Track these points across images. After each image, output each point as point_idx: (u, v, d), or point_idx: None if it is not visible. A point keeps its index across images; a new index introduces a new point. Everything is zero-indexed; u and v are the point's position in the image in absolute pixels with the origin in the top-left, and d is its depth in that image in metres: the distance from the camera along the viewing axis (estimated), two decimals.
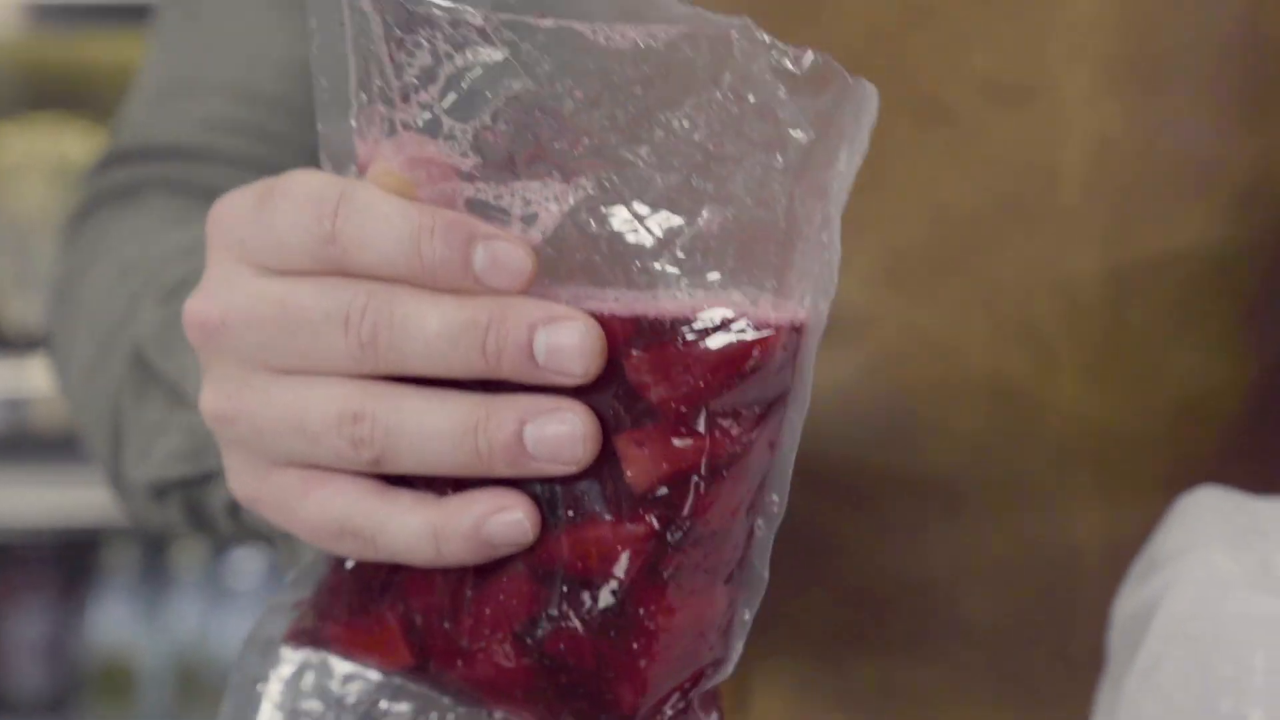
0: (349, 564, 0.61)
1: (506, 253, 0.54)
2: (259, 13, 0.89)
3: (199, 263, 0.62)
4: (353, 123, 0.58)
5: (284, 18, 0.88)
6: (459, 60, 0.55)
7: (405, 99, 0.56)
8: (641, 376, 0.55)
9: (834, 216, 0.55)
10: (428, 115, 0.56)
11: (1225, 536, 0.64)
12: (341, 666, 0.62)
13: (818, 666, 0.85)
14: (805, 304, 0.55)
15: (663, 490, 0.55)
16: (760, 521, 0.57)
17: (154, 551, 2.52)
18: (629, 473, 0.55)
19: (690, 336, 0.55)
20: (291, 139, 0.88)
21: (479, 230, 0.54)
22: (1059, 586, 0.85)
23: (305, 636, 0.62)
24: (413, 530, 0.56)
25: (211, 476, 0.78)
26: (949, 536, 0.85)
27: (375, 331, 0.54)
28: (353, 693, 0.62)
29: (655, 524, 0.56)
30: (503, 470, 0.55)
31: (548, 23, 0.54)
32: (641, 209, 0.55)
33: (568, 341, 0.54)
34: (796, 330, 0.56)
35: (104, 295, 0.85)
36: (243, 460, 0.59)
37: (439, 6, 0.56)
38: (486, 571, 0.57)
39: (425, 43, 0.56)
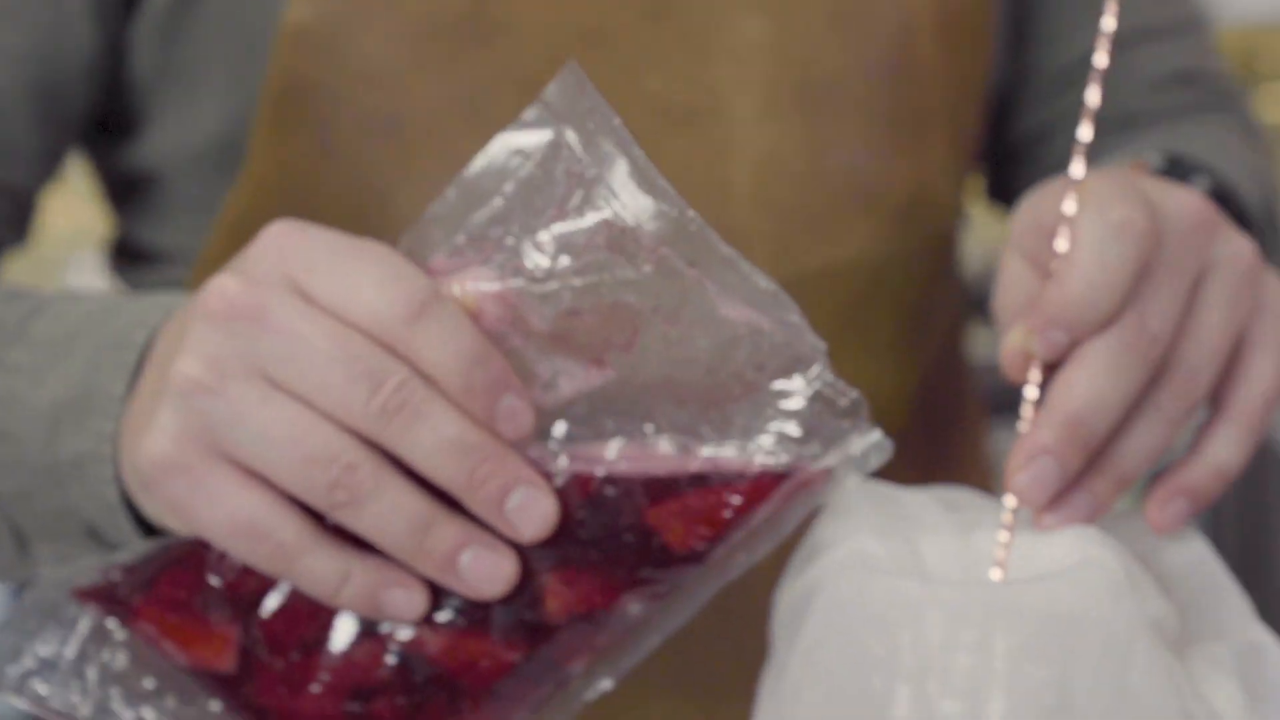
0: (213, 578, 0.63)
1: (523, 412, 0.61)
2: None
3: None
4: (459, 239, 0.62)
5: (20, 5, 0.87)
6: (593, 243, 0.61)
7: (529, 241, 0.61)
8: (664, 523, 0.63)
9: None
10: (532, 263, 0.61)
11: (876, 525, 0.67)
12: (119, 635, 0.64)
13: None
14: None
15: (567, 623, 0.63)
16: (564, 678, 0.65)
17: None
18: (550, 604, 0.62)
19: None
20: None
21: (513, 384, 0.61)
22: (735, 585, 0.89)
23: (103, 598, 0.63)
24: (329, 567, 0.61)
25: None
26: None
27: (401, 407, 0.59)
28: (119, 663, 0.64)
29: (526, 652, 0.63)
30: (427, 569, 0.61)
31: (692, 274, 0.61)
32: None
33: (535, 508, 0.61)
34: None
35: None
36: (183, 428, 0.60)
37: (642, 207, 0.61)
38: (355, 633, 0.63)
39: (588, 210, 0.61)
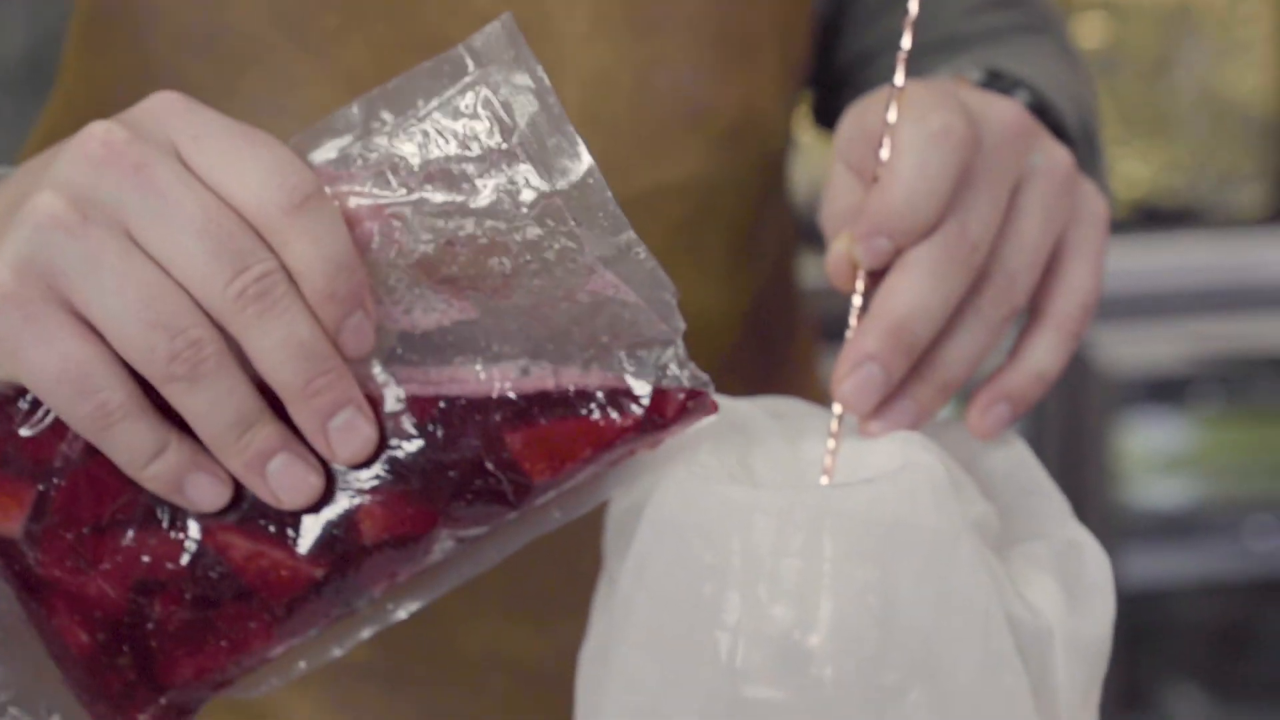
0: (24, 430, 0.61)
1: (367, 333, 0.60)
2: None
3: None
4: (353, 150, 0.61)
5: None
6: (491, 181, 0.61)
7: (421, 169, 0.61)
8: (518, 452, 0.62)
9: None
10: (418, 196, 0.61)
11: (709, 436, 0.68)
12: None
13: None
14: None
15: (376, 546, 0.62)
16: (361, 603, 0.64)
17: None
18: (364, 525, 0.62)
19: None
20: None
21: (368, 303, 0.60)
22: None
23: None
24: (147, 438, 0.59)
25: None
26: None
27: (260, 297, 0.58)
28: None
29: (329, 571, 0.62)
30: (234, 465, 0.60)
31: (578, 232, 0.62)
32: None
33: (357, 433, 0.61)
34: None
35: None
36: (30, 261, 0.58)
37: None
38: (155, 520, 0.61)
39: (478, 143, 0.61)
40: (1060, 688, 0.65)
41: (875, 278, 0.69)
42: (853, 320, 0.69)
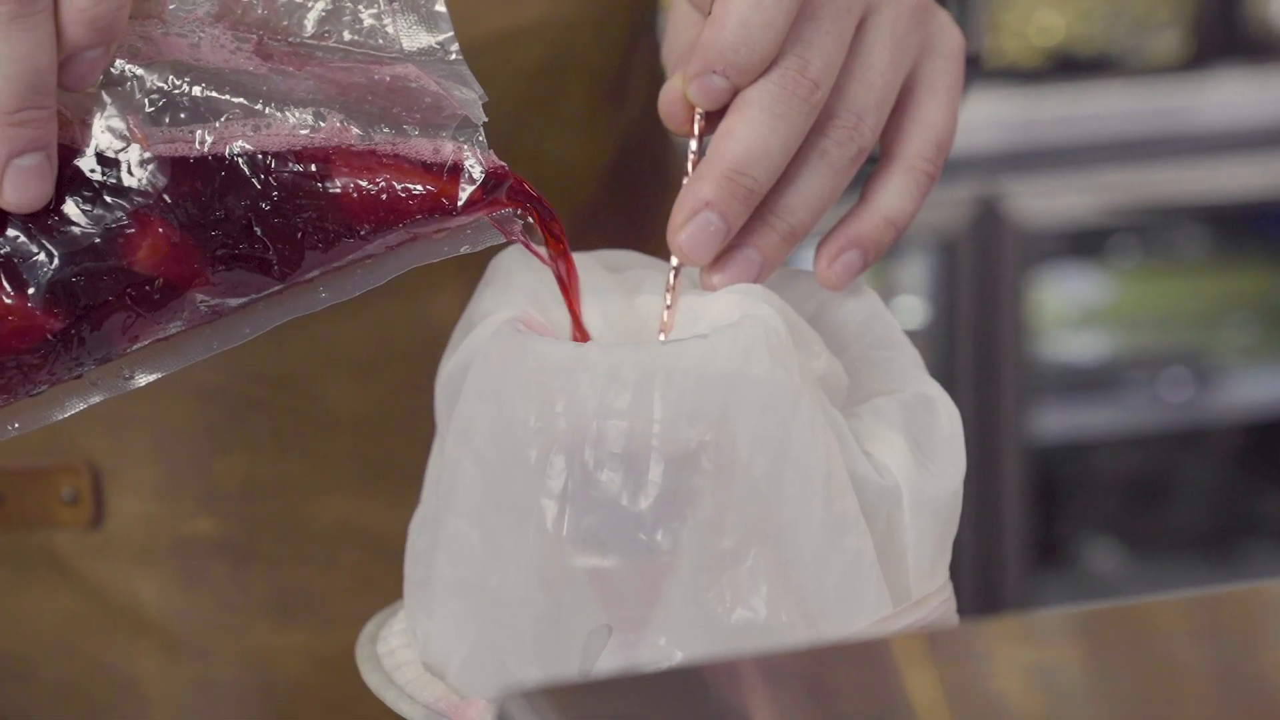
0: None
1: (96, 68, 0.57)
2: None
3: None
4: None
5: None
6: None
7: None
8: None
9: None
10: None
11: (533, 293, 0.64)
12: None
13: (179, 468, 0.83)
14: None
15: (120, 300, 0.58)
16: (91, 365, 0.59)
17: None
18: (110, 277, 0.58)
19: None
20: None
21: (112, 45, 0.57)
22: (420, 374, 0.85)
23: None
24: None
25: None
26: (308, 330, 0.84)
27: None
28: None
29: (60, 326, 0.58)
30: None
31: (391, 6, 0.60)
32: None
33: (39, 181, 0.57)
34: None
35: None
36: None
37: None
38: None
39: None
40: (909, 548, 0.62)
41: (715, 120, 0.65)
42: (689, 166, 0.65)
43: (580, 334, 0.64)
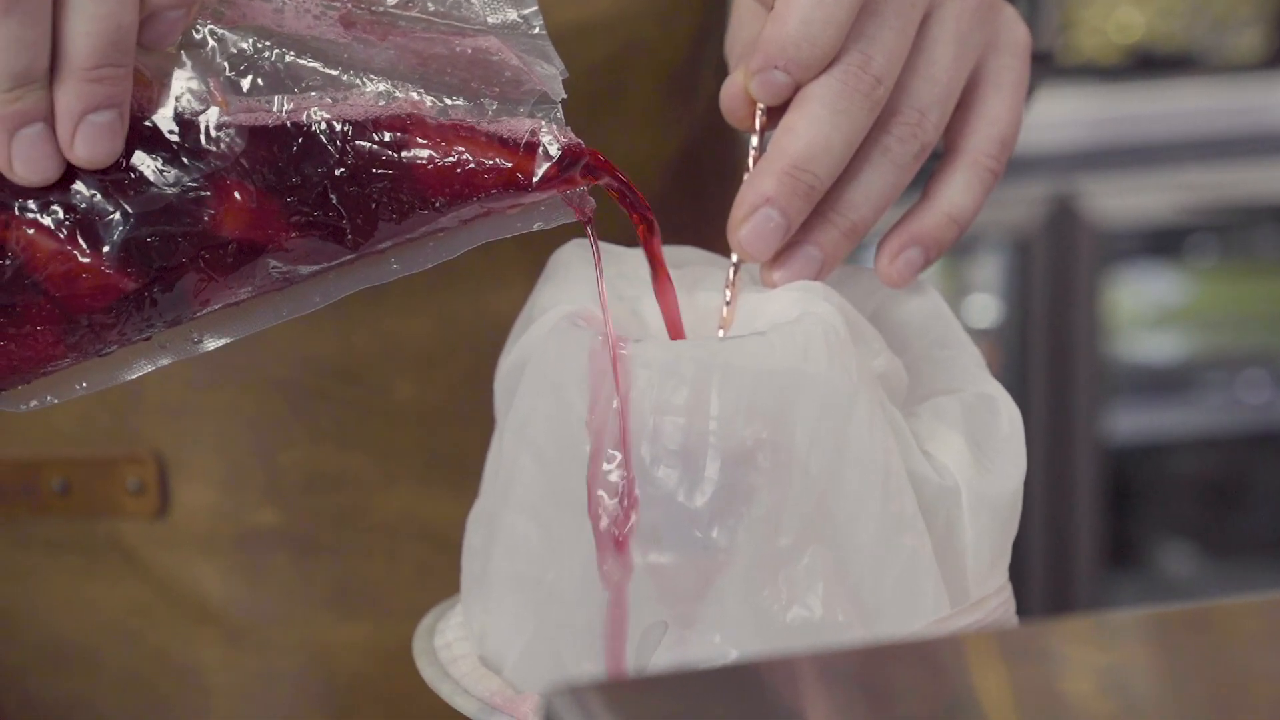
0: None
1: (175, 28, 0.58)
2: None
3: None
4: None
5: None
6: None
7: None
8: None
9: None
10: None
11: (593, 288, 0.64)
12: None
13: (243, 459, 0.84)
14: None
15: (192, 263, 0.58)
16: (162, 326, 0.59)
17: None
18: (184, 240, 0.58)
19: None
20: None
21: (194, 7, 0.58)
22: (484, 368, 0.85)
23: None
24: None
25: None
26: (373, 322, 0.84)
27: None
28: None
29: (133, 286, 0.58)
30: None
31: None
32: None
33: (111, 138, 0.57)
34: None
35: None
36: None
37: None
38: None
39: None
40: (967, 548, 0.62)
41: (777, 116, 0.65)
42: (750, 162, 0.64)
43: (673, 327, 0.63)
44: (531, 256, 0.86)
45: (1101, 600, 2.06)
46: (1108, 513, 2.09)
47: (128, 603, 0.85)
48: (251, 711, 0.86)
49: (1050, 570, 2.05)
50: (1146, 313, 2.27)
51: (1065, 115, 2.08)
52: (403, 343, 0.85)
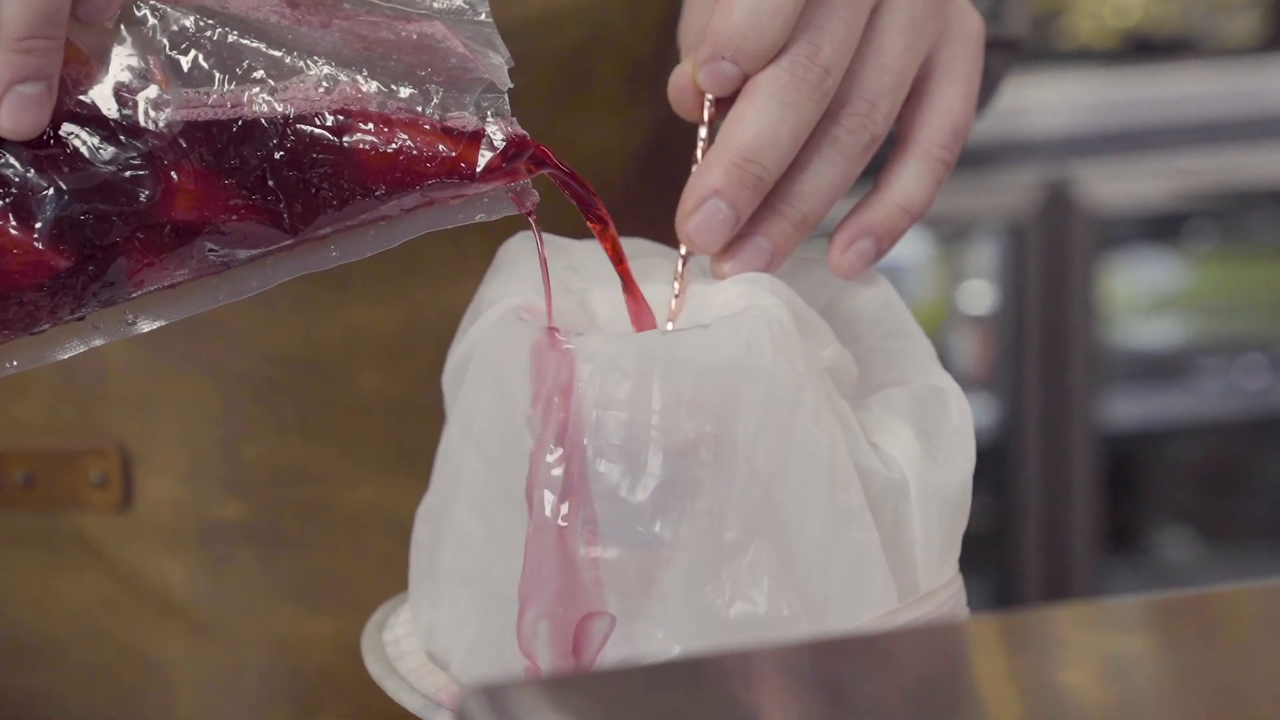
0: None
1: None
2: None
3: None
4: None
5: None
6: None
7: None
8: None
9: None
10: None
11: (538, 282, 0.63)
12: None
13: (207, 452, 0.83)
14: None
15: (127, 243, 0.58)
16: (94, 307, 0.59)
17: None
18: (118, 220, 0.57)
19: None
20: None
21: None
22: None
23: None
24: None
25: None
26: (337, 314, 0.84)
27: None
28: None
29: (66, 265, 0.57)
30: None
31: None
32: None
33: (37, 110, 0.57)
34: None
35: None
36: None
37: None
38: None
39: None
40: (916, 541, 0.61)
41: (726, 106, 0.64)
42: (699, 153, 0.64)
43: (639, 322, 0.63)
44: (497, 248, 0.85)
45: (1100, 587, 2.06)
46: (1105, 499, 2.09)
47: (92, 596, 0.85)
48: (217, 705, 0.85)
49: (1048, 557, 2.04)
50: (1143, 298, 2.26)
51: (1061, 100, 2.07)
52: (367, 335, 0.84)
